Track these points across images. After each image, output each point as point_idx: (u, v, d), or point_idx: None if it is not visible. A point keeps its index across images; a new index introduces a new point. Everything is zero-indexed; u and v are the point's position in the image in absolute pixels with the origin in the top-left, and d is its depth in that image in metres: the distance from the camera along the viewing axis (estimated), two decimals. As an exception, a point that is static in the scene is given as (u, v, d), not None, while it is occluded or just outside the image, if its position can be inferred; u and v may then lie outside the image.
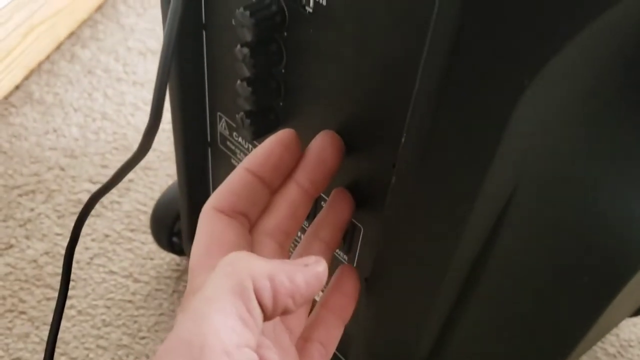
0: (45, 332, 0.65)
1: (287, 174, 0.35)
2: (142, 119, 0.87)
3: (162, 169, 0.81)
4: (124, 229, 0.74)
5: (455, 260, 0.38)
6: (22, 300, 0.67)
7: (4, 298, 0.67)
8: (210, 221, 0.32)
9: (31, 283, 0.68)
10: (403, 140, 0.33)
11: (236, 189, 0.33)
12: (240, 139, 0.49)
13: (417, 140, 0.32)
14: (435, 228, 0.36)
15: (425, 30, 0.29)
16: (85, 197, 0.77)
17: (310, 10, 0.36)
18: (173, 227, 0.65)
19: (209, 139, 0.53)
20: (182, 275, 0.70)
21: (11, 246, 0.71)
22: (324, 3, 0.35)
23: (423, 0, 0.29)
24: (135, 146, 0.85)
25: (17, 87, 0.90)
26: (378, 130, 0.37)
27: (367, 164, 0.39)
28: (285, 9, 0.38)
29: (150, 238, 0.73)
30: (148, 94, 0.91)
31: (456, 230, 0.36)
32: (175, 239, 0.66)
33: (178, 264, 0.71)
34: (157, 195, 0.78)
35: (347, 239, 0.43)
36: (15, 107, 0.87)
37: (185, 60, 0.47)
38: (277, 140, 0.35)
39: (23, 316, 0.66)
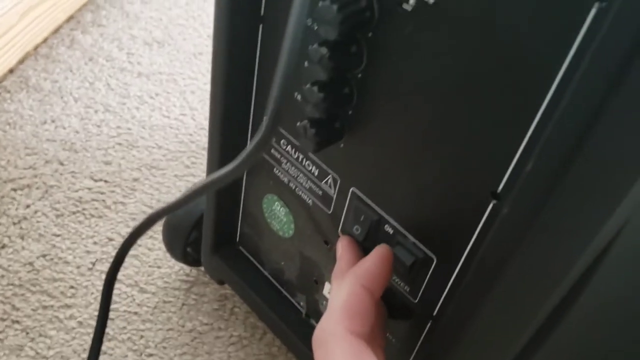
0: (41, 345, 0.58)
1: None
2: (148, 114, 0.81)
3: (169, 169, 0.75)
4: (129, 232, 0.68)
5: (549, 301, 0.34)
6: (15, 308, 0.61)
7: (-5, 304, 0.60)
8: (350, 344, 0.35)
9: (26, 289, 0.62)
10: (529, 168, 0.28)
11: (362, 311, 0.36)
12: (288, 147, 0.44)
13: (547, 173, 0.27)
14: (541, 267, 0.32)
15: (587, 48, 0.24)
16: (86, 195, 0.70)
17: (410, 9, 0.31)
18: (189, 237, 0.59)
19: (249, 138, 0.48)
20: (191, 286, 0.65)
21: (4, 246, 0.65)
22: (430, 1, 0.30)
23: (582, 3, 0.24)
24: (140, 142, 0.79)
25: (11, 71, 0.84)
26: (475, 155, 0.32)
27: (455, 191, 0.34)
28: (376, 5, 0.33)
29: (157, 244, 0.67)
30: (154, 87, 0.85)
31: (563, 270, 0.31)
32: (189, 250, 0.61)
33: (187, 274, 0.66)
34: (164, 197, 0.72)
35: (414, 269, 0.39)
36: (10, 93, 0.80)
37: (235, 55, 0.42)
38: (387, 259, 0.38)
39: (16, 326, 0.59)
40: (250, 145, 0.28)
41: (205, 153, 0.79)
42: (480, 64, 0.29)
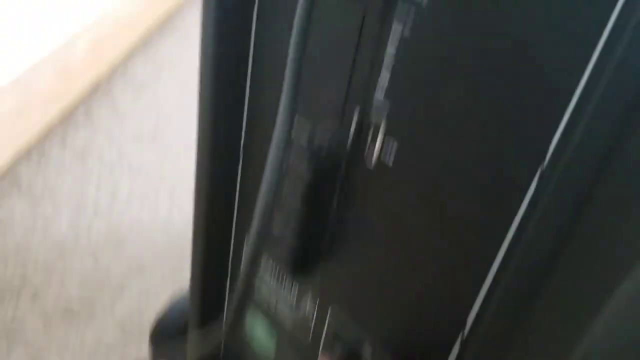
0: None
1: None
2: (137, 212, 0.83)
3: (156, 270, 0.77)
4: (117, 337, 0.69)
5: None
6: (1, 421, 0.61)
7: (-19, 418, 0.61)
8: None
9: (12, 400, 0.62)
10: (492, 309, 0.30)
11: None
12: (270, 262, 0.45)
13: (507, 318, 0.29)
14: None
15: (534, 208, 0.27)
16: (74, 300, 0.72)
17: (371, 168, 0.34)
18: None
19: (229, 271, 0.50)
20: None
21: (-9, 356, 0.65)
22: (390, 164, 0.32)
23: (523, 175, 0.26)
24: (128, 242, 0.81)
25: (3, 173, 0.86)
26: (442, 289, 0.34)
27: (430, 318, 0.36)
28: (342, 161, 0.35)
29: (144, 346, 0.68)
30: (143, 185, 0.87)
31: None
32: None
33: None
34: (151, 299, 0.73)
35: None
36: (2, 195, 0.82)
37: (217, 176, 0.43)
38: None
39: None
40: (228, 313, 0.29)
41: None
42: (432, 226, 0.31)
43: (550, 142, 0.26)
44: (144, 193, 0.86)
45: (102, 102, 1.01)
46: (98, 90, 1.03)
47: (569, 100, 0.25)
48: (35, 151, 0.90)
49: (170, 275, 0.76)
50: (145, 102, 1.02)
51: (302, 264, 0.40)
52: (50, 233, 0.79)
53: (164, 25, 1.23)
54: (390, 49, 0.30)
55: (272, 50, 0.38)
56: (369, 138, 0.33)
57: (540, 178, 0.26)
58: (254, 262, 0.30)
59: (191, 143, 0.96)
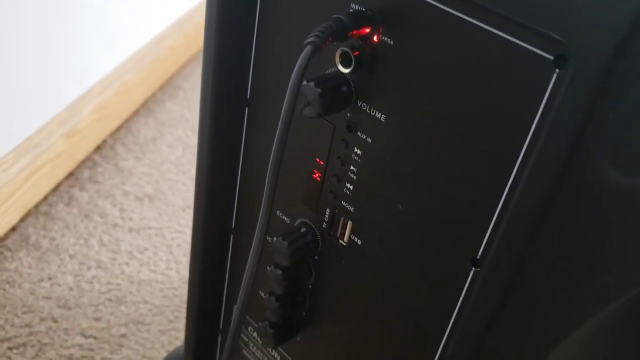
0: None
1: None
2: (136, 269, 0.89)
3: (154, 324, 0.82)
4: (114, 389, 0.73)
5: None
6: None
7: None
8: None
9: None
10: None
11: None
12: (255, 334, 0.51)
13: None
14: None
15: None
16: (77, 353, 0.76)
17: (344, 244, 0.39)
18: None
19: (221, 326, 0.55)
20: None
21: (-2, 406, 0.70)
22: (359, 242, 0.38)
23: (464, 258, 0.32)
24: (128, 298, 0.86)
25: (13, 229, 0.91)
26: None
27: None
28: (320, 238, 0.41)
29: (140, 401, 0.72)
30: (143, 242, 0.93)
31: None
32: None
33: None
34: (148, 352, 0.78)
35: None
36: (11, 251, 0.88)
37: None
38: None
39: None
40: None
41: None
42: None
43: (483, 237, 0.32)
44: (144, 250, 0.92)
45: (106, 161, 1.07)
46: (102, 150, 1.09)
47: (496, 204, 0.31)
48: (42, 208, 0.96)
49: (166, 329, 0.81)
50: (147, 162, 1.08)
51: (282, 334, 0.45)
52: (55, 288, 0.84)
53: (167, 87, 1.30)
54: (357, 152, 0.36)
55: (260, 156, 0.44)
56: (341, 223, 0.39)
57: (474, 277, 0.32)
58: (238, 334, 0.35)
59: (189, 203, 1.02)
